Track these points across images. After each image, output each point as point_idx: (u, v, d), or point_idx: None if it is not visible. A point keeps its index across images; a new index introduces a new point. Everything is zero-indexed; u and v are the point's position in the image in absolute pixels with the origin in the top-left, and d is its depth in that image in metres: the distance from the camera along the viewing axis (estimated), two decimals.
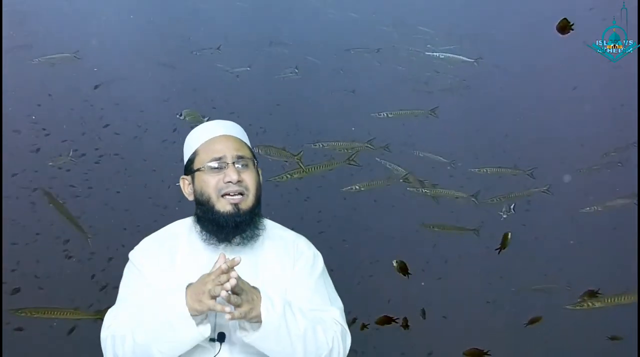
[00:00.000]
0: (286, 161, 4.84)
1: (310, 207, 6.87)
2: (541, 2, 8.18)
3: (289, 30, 7.71)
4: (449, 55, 6.11)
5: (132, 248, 1.95)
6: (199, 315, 1.69)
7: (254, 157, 1.97)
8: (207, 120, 4.91)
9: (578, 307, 4.27)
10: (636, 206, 5.51)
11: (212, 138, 1.92)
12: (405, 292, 6.00)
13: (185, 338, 1.71)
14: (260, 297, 1.70)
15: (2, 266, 5.02)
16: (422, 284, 5.99)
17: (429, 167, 6.25)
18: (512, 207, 5.42)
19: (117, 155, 6.38)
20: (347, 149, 4.96)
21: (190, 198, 1.94)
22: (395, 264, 4.31)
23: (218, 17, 7.27)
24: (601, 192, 6.22)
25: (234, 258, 1.67)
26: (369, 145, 5.23)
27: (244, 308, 1.65)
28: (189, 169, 1.94)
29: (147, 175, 6.60)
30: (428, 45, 6.49)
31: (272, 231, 1.97)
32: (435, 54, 6.12)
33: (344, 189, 5.28)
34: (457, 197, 5.20)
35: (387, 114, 5.34)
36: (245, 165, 1.89)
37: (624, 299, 4.24)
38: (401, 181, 5.48)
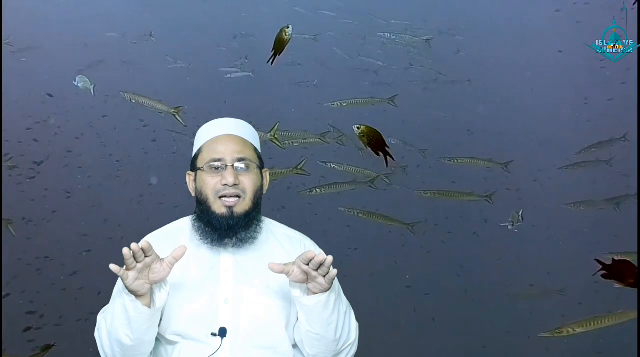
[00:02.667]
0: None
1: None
2: None
3: (252, 22, 7.40)
4: (401, 35, 5.76)
5: None
6: (143, 293, 1.70)
7: (260, 159, 1.97)
8: (94, 89, 4.43)
9: (556, 335, 3.61)
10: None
11: (216, 137, 1.94)
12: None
13: (129, 312, 1.71)
14: None
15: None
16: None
17: (399, 156, 5.84)
18: (520, 214, 4.79)
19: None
20: (292, 142, 4.53)
21: (193, 194, 1.95)
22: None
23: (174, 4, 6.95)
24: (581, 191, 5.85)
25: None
26: (322, 139, 4.81)
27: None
28: (194, 166, 1.95)
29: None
30: (379, 34, 6.14)
31: (278, 231, 1.99)
32: (386, 34, 5.75)
33: (301, 192, 4.86)
34: (367, 178, 4.78)
35: (340, 104, 4.91)
36: (246, 168, 1.89)
37: (619, 318, 3.67)
38: (368, 185, 5.05)
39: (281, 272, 1.72)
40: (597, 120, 6.94)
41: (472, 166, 5.40)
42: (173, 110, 4.28)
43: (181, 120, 4.29)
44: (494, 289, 6.28)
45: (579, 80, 7.23)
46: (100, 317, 1.87)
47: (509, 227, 4.65)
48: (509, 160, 5.32)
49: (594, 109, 7.27)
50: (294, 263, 1.72)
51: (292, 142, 4.52)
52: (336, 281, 1.84)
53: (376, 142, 3.13)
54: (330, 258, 1.69)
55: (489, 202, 5.05)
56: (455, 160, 5.27)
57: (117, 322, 1.74)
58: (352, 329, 1.90)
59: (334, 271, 1.71)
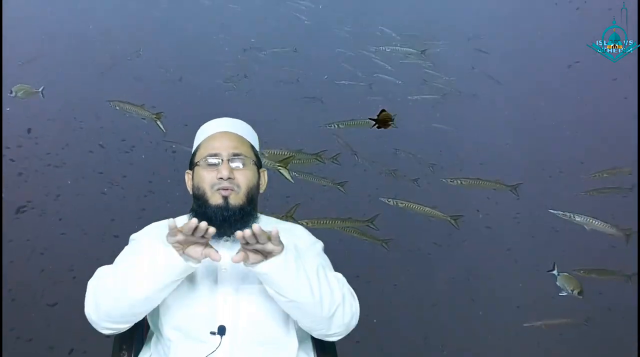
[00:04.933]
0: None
1: None
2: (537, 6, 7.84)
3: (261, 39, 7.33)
4: (396, 48, 5.75)
5: None
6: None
7: (257, 157, 2.03)
8: (42, 91, 4.39)
9: None
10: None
11: (213, 134, 2.01)
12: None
13: (158, 259, 1.71)
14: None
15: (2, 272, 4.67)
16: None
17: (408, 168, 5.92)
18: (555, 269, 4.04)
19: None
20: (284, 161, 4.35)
21: (191, 192, 2.00)
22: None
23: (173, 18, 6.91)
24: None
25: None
26: (318, 158, 4.63)
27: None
28: (191, 163, 2.02)
29: None
30: (380, 47, 6.00)
31: (268, 221, 2.06)
32: (381, 48, 5.66)
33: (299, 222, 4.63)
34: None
35: (337, 125, 4.73)
36: (241, 164, 1.94)
37: None
38: (366, 224, 4.82)
39: (241, 261, 1.72)
40: (617, 141, 6.60)
41: (478, 188, 5.13)
42: (154, 116, 4.33)
43: (162, 127, 4.37)
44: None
45: (594, 95, 6.97)
46: (100, 270, 1.87)
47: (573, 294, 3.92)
48: (518, 182, 5.04)
49: (615, 128, 6.93)
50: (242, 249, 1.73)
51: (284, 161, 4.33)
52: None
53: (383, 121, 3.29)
54: (256, 226, 1.66)
55: (453, 225, 4.69)
56: (458, 181, 4.99)
57: (135, 270, 1.74)
58: (334, 288, 1.83)
59: (274, 230, 1.68)
